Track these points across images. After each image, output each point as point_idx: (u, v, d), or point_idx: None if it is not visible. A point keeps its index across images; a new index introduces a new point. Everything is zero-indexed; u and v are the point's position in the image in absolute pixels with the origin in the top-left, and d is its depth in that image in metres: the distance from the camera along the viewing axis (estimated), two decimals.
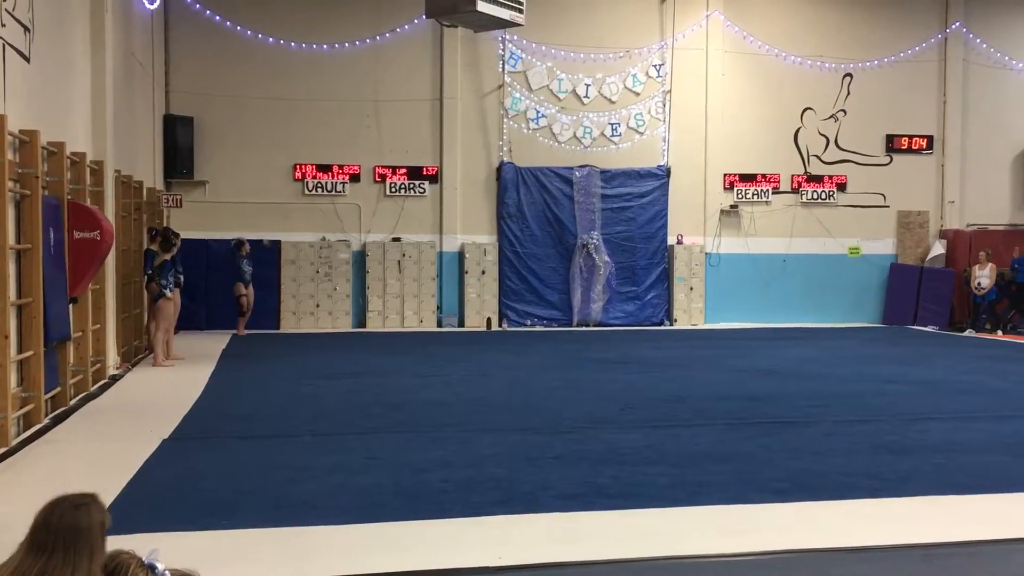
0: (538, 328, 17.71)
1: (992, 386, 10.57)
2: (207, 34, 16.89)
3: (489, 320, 17.64)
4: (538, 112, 18.11)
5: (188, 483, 6.08)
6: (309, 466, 6.51)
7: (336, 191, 17.48)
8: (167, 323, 12.06)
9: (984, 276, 17.59)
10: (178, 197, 15.83)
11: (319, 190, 17.42)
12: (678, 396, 9.71)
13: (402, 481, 6.13)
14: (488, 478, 6.20)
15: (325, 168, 17.43)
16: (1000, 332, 17.33)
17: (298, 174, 17.35)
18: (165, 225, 14.40)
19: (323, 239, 17.33)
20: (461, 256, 17.80)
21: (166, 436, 7.49)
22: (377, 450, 7.05)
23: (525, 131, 18.09)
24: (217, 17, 16.89)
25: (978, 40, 19.12)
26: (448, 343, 15.04)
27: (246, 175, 17.13)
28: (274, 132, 17.20)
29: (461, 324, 17.70)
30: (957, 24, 19.00)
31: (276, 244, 16.81)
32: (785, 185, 18.89)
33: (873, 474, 6.34)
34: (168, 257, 12.20)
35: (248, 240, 15.91)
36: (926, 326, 18.13)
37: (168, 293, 11.98)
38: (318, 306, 17.00)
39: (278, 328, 16.84)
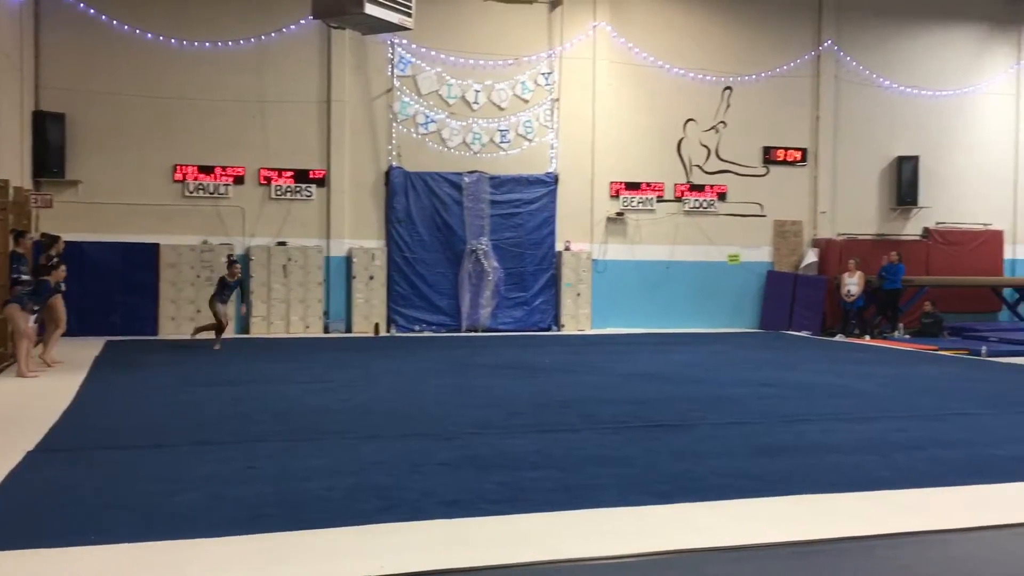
0: (427, 334, 17.64)
1: (860, 389, 11.07)
2: (81, 28, 16.21)
3: (377, 326, 17.47)
4: (427, 117, 18.06)
5: (55, 497, 5.78)
6: (186, 477, 6.29)
7: (219, 193, 17.01)
8: (21, 331, 11.25)
9: (853, 283, 18.45)
10: (48, 197, 15.08)
11: (201, 192, 16.92)
12: (564, 401, 9.81)
13: (284, 490, 5.99)
14: (372, 486, 6.12)
15: (207, 169, 16.94)
16: (868, 337, 18.19)
17: (178, 175, 16.81)
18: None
19: (205, 242, 16.82)
20: (349, 261, 17.57)
21: (31, 448, 7.11)
22: (259, 459, 6.87)
23: (414, 136, 18.01)
24: (92, 11, 16.23)
25: (848, 58, 20.08)
26: (335, 349, 14.81)
27: (123, 175, 16.50)
28: (153, 131, 16.63)
29: (348, 330, 17.48)
30: (829, 42, 19.91)
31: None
32: (669, 194, 19.38)
33: (749, 475, 6.54)
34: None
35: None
36: (800, 331, 18.89)
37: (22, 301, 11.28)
38: (199, 312, 16.47)
39: (156, 335, 16.26)
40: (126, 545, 4.85)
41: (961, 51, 20.87)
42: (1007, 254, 21.05)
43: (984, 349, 15.84)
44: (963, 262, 20.35)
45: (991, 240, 20.90)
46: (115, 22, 16.40)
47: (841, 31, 20.04)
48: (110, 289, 16.05)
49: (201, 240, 16.82)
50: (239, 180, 17.11)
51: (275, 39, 17.23)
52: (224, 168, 17.02)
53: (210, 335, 14.60)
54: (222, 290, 14.62)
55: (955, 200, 20.79)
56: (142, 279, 16.31)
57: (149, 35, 16.58)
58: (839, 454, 7.34)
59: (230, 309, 15.14)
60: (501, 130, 18.48)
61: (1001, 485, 6.42)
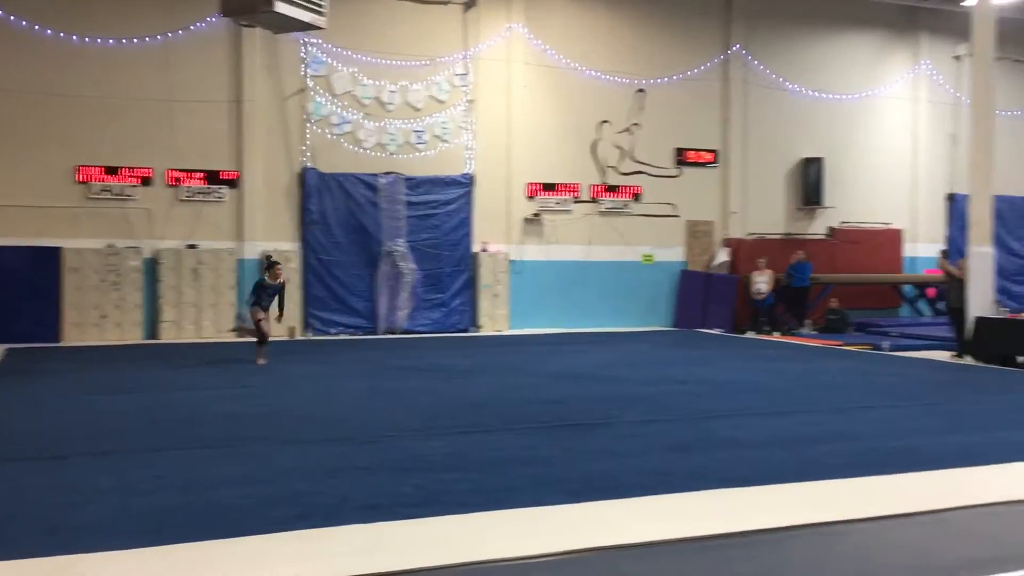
0: (343, 336, 17.45)
1: (770, 385, 11.37)
2: None
3: (292, 329, 17.19)
4: (342, 118, 17.87)
5: None
6: (89, 488, 6.09)
7: (125, 195, 16.52)
8: None
9: (763, 282, 18.95)
10: None
11: (105, 194, 16.40)
12: (483, 402, 9.82)
13: (194, 500, 5.84)
14: (288, 492, 6.02)
15: (113, 170, 16.44)
16: (777, 334, 18.70)
17: (81, 176, 16.25)
18: None
19: (110, 246, 16.31)
20: (262, 264, 17.25)
21: None
22: (167, 468, 6.69)
23: (329, 136, 17.79)
24: None
25: (756, 62, 20.60)
26: (248, 354, 14.52)
27: (21, 176, 15.89)
28: (53, 131, 16.06)
29: None
30: (737, 46, 20.40)
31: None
32: (585, 194, 19.58)
33: (663, 472, 6.66)
34: None
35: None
36: (713, 329, 19.30)
37: None
38: (104, 317, 15.98)
39: (59, 341, 15.70)
40: (30, 560, 4.66)
41: (862, 57, 21.62)
42: (906, 252, 21.90)
43: (886, 344, 16.46)
44: (865, 260, 21.09)
45: (891, 238, 21.71)
46: (12, 18, 15.78)
47: (749, 36, 20.56)
48: (10, 295, 15.44)
49: (106, 244, 16.30)
50: (146, 181, 16.64)
51: (183, 37, 16.81)
52: (131, 169, 16.53)
53: (245, 336, 13.60)
54: (261, 295, 13.11)
55: (858, 200, 21.53)
56: (44, 284, 15.72)
57: (48, 31, 16.00)
58: (749, 449, 7.52)
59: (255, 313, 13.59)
60: (417, 131, 18.40)
61: (903, 475, 6.66)
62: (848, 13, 21.26)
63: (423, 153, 18.44)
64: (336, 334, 17.57)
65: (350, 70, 17.91)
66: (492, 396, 10.25)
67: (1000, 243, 20.36)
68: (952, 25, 21.17)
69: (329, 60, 17.76)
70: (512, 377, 11.91)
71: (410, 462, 6.93)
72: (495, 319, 18.73)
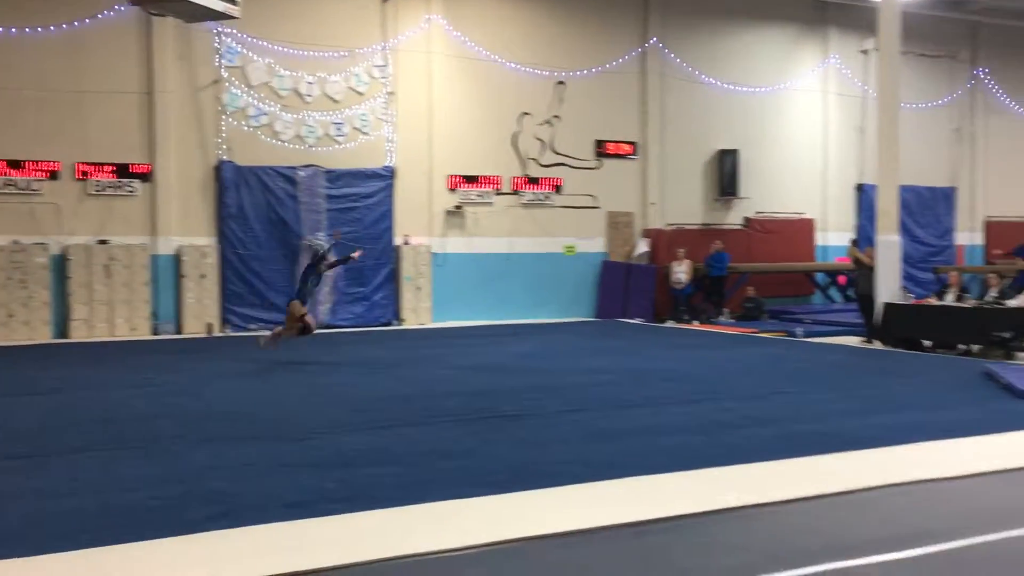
0: (264, 332, 17.12)
1: (689, 372, 11.60)
2: None
3: (210, 326, 16.84)
4: (258, 109, 17.54)
5: None
6: (2, 494, 5.86)
7: (31, 190, 15.93)
8: None
9: (682, 272, 19.30)
10: None
11: (10, 188, 15.80)
12: (406, 395, 9.78)
13: (110, 502, 5.69)
14: (207, 491, 5.91)
15: (17, 164, 15.83)
16: (696, 322, 19.07)
17: None
18: None
19: (15, 242, 15.72)
20: (178, 259, 16.85)
21: None
22: (81, 470, 6.49)
23: (245, 129, 17.45)
24: None
25: (672, 55, 20.91)
26: (164, 351, 14.18)
27: None
28: None
29: (179, 331, 16.77)
30: (654, 40, 20.68)
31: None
32: (506, 186, 19.62)
33: (585, 461, 6.73)
34: None
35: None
36: (634, 319, 19.57)
37: None
38: (11, 316, 15.41)
39: None
40: None
41: (774, 50, 22.14)
42: (818, 241, 22.54)
43: (800, 330, 16.93)
44: (780, 249, 21.64)
45: (804, 228, 22.32)
46: None
47: (665, 30, 20.85)
48: None
49: (11, 240, 15.70)
50: (54, 175, 16.08)
51: (90, 25, 16.26)
52: (36, 163, 15.95)
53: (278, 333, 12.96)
54: (307, 287, 12.87)
55: (772, 190, 22.06)
56: None
57: None
58: (669, 436, 7.66)
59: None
60: (336, 123, 18.17)
61: (817, 457, 6.87)
62: (760, 8, 21.73)
63: (343, 146, 18.23)
64: (256, 330, 17.25)
65: (266, 61, 17.58)
66: (415, 390, 10.21)
67: (906, 231, 21.15)
68: (860, 20, 21.82)
69: (244, 51, 17.40)
70: (435, 370, 11.89)
71: (333, 458, 6.86)
72: (418, 312, 18.65)
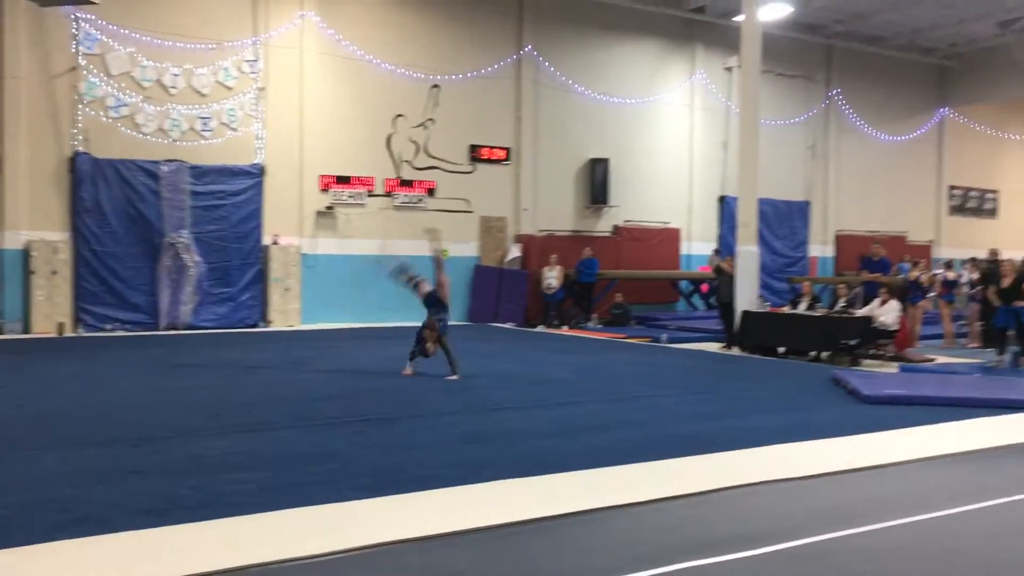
0: (120, 333, 16.41)
1: (558, 376, 11.77)
2: None
3: (61, 325, 15.99)
4: (119, 100, 16.79)
5: None
6: None
7: None
8: None
9: (553, 277, 19.58)
10: None
11: None
12: (271, 399, 9.54)
13: None
14: (53, 499, 5.59)
15: None
16: (566, 327, 19.37)
17: None
18: None
19: None
20: (26, 254, 15.93)
21: None
22: None
23: (104, 120, 16.67)
24: None
25: (547, 63, 21.21)
26: (10, 352, 13.36)
27: None
28: None
29: (26, 331, 15.85)
30: (529, 48, 20.92)
31: None
32: (379, 188, 19.44)
33: (453, 464, 6.73)
34: None
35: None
36: (505, 323, 19.72)
37: None
38: None
39: None
40: None
41: (644, 63, 22.76)
42: (683, 250, 23.29)
43: (664, 336, 17.44)
44: (647, 257, 22.25)
45: (670, 237, 23.02)
46: None
47: (539, 38, 21.13)
48: None
49: None
50: None
51: None
52: None
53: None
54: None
55: (640, 200, 22.66)
56: None
57: None
58: (537, 439, 7.75)
59: None
60: (203, 117, 17.58)
61: (678, 460, 7.08)
62: (631, 22, 22.29)
63: (209, 141, 17.65)
64: (111, 330, 16.50)
65: (128, 50, 16.84)
66: (281, 393, 9.97)
67: (764, 243, 22.12)
68: (724, 39, 22.70)
69: (104, 38, 16.62)
70: (303, 373, 11.65)
71: (189, 463, 6.62)
72: (286, 314, 18.24)
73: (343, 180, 19.03)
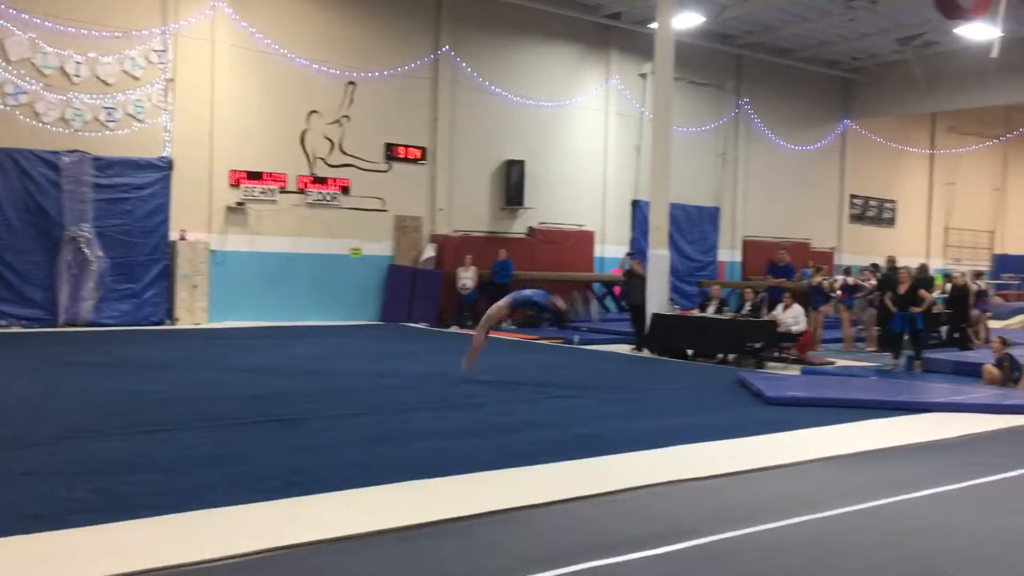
0: (15, 329, 15.77)
1: (468, 377, 11.74)
2: None
3: None
4: (17, 87, 16.14)
5: None
6: None
7: None
8: None
9: (468, 277, 19.57)
10: None
11: None
12: (174, 399, 9.29)
13: None
14: None
15: None
16: None
17: None
18: None
19: None
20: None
21: None
22: None
23: (1, 107, 16.00)
24: None
25: (464, 64, 21.20)
26: None
27: None
28: None
29: None
30: (446, 48, 20.88)
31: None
32: (292, 185, 19.13)
33: (361, 465, 6.67)
34: None
35: None
36: (419, 323, 19.63)
37: None
38: None
39: None
40: None
41: (561, 67, 22.95)
42: (597, 252, 23.57)
43: (576, 338, 17.61)
44: (561, 259, 22.43)
45: (584, 239, 23.26)
46: None
47: (457, 39, 21.10)
48: None
49: None
50: None
51: None
52: None
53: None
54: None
55: (555, 202, 22.84)
56: None
57: None
58: (446, 439, 7.73)
59: None
60: (107, 108, 17.03)
61: (588, 460, 7.15)
62: (548, 26, 22.45)
63: (114, 132, 17.09)
64: (6, 326, 15.83)
65: (28, 35, 16.19)
66: (185, 392, 9.72)
67: (675, 247, 22.53)
68: (639, 45, 23.06)
69: (3, 23, 15.95)
70: (208, 372, 11.38)
71: (86, 465, 6.40)
72: (193, 312, 17.79)
73: (255, 176, 18.66)
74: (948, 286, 17.85)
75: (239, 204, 18.44)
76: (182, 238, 17.71)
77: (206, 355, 13.11)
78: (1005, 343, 12.62)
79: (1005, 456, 7.96)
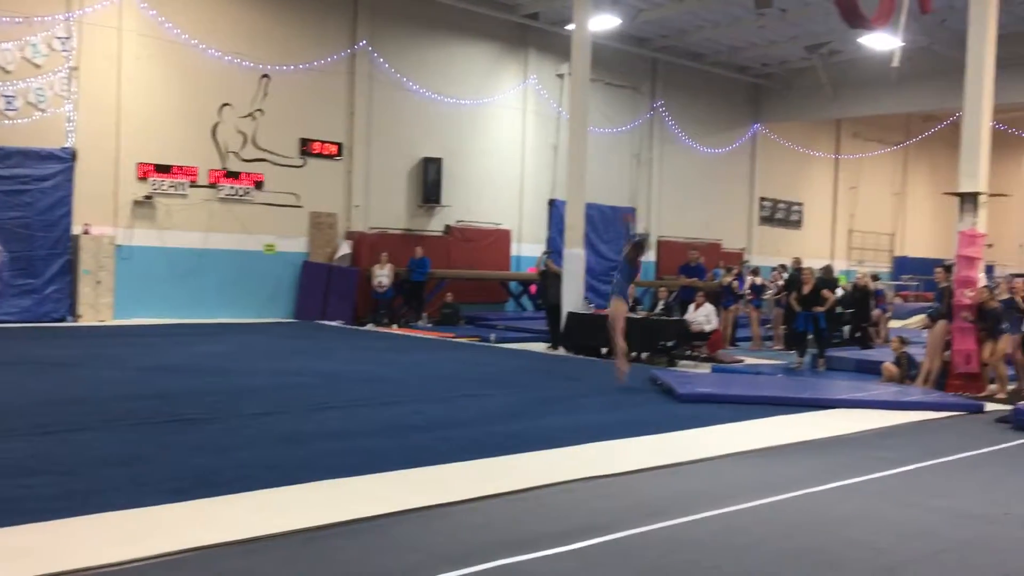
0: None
1: (385, 375, 11.68)
2: None
3: None
4: None
5: None
6: None
7: None
8: None
9: (384, 275, 19.43)
10: None
11: None
12: (75, 398, 8.98)
13: None
14: None
15: None
16: (396, 326, 19.27)
17: None
18: None
19: None
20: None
21: None
22: None
23: None
24: None
25: (381, 60, 21.02)
26: None
27: None
28: None
29: None
30: (364, 42, 20.66)
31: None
32: (203, 179, 18.68)
33: (271, 465, 6.55)
34: None
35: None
36: (334, 320, 19.40)
37: None
38: None
39: None
40: None
41: (479, 65, 22.95)
42: (513, 251, 23.66)
43: (493, 336, 17.65)
44: (478, 257, 22.45)
45: (501, 238, 23.32)
46: None
47: (375, 34, 20.91)
48: None
49: None
50: None
51: None
52: None
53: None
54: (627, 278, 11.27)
55: (473, 200, 22.84)
56: None
57: None
58: (359, 438, 7.66)
59: None
60: (6, 96, 16.34)
61: (501, 458, 7.18)
62: (467, 24, 22.42)
63: (13, 121, 16.41)
64: None
65: None
66: (87, 392, 9.41)
67: (590, 246, 22.76)
68: (556, 46, 23.22)
69: None
70: (112, 371, 11.02)
71: None
72: (98, 308, 17.21)
73: (164, 169, 18.16)
74: (849, 285, 18.48)
75: (147, 198, 17.91)
76: (86, 232, 17.12)
77: (110, 353, 12.70)
78: (903, 342, 13.15)
79: (902, 450, 8.29)
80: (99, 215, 17.36)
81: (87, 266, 17.06)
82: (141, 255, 17.82)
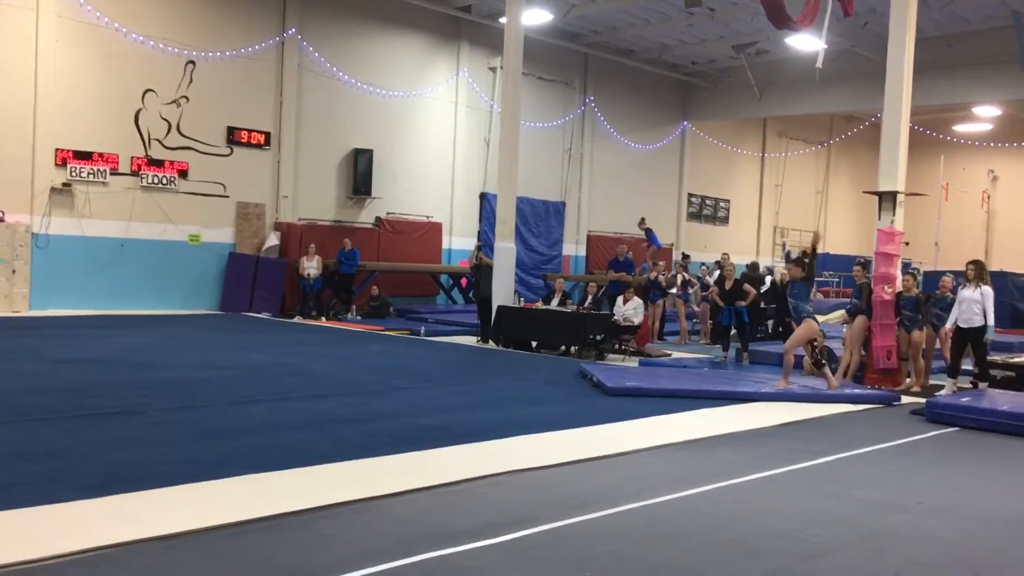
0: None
1: (312, 368, 11.53)
2: None
3: None
4: None
5: None
6: None
7: None
8: None
9: (312, 267, 19.18)
10: None
11: None
12: None
13: None
14: None
15: None
16: (324, 319, 19.04)
17: None
18: None
19: None
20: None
21: None
22: None
23: None
24: None
25: (311, 48, 20.70)
26: None
27: None
28: None
29: None
30: (293, 30, 20.33)
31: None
32: (125, 167, 18.18)
33: (193, 460, 6.40)
34: None
35: None
36: (261, 313, 19.08)
37: None
38: None
39: None
40: None
41: (411, 57, 22.78)
42: (445, 244, 23.58)
43: (423, 329, 17.57)
44: (409, 250, 22.31)
45: (432, 231, 23.22)
46: None
47: (304, 21, 20.58)
48: None
49: None
50: None
51: None
52: None
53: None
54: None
55: (404, 193, 22.68)
56: None
57: None
58: (285, 432, 7.54)
59: None
60: None
61: (426, 452, 7.14)
62: (399, 14, 22.22)
63: None
64: None
65: None
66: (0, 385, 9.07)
67: (521, 240, 22.83)
68: (489, 39, 23.19)
69: None
70: (26, 363, 10.65)
71: None
72: (12, 298, 16.62)
73: (83, 156, 17.60)
74: (767, 280, 18.85)
75: (65, 185, 17.35)
76: (0, 219, 16.51)
77: (24, 344, 12.28)
78: (823, 336, 13.45)
79: (822, 442, 8.49)
80: (14, 202, 16.76)
81: (1, 255, 16.47)
82: (59, 244, 17.28)
